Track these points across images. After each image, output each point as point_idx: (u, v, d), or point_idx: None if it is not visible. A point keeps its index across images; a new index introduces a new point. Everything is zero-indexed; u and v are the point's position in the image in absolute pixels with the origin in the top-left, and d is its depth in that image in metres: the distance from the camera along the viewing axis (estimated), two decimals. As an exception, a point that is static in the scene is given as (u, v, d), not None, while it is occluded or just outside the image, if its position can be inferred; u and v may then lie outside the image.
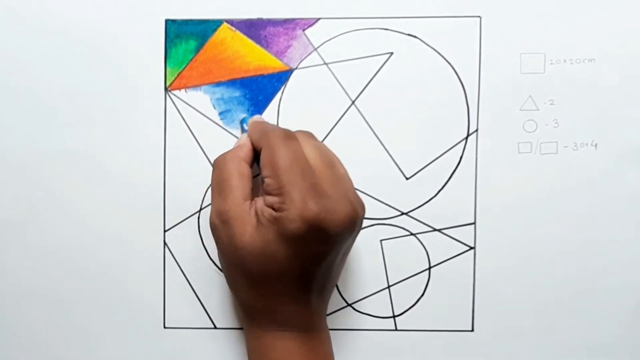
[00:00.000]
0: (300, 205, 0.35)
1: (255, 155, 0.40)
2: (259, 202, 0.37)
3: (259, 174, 0.38)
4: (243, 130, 0.43)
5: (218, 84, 0.44)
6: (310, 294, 0.38)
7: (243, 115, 0.43)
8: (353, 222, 0.37)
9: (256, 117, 0.42)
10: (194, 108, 0.44)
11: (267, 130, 0.39)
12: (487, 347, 0.44)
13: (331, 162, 0.39)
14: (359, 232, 0.39)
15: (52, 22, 0.44)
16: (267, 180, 0.36)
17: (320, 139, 0.44)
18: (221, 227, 0.38)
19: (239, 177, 0.38)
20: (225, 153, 0.39)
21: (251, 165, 0.39)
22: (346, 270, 0.44)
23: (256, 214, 0.37)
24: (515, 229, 0.44)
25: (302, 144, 0.38)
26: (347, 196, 0.37)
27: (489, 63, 0.43)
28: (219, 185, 0.38)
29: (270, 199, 0.36)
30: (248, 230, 0.36)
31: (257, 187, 0.41)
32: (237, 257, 0.37)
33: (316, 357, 0.39)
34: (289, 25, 0.44)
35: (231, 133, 0.44)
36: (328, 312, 0.44)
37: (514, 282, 0.44)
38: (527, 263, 0.44)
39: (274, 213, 0.36)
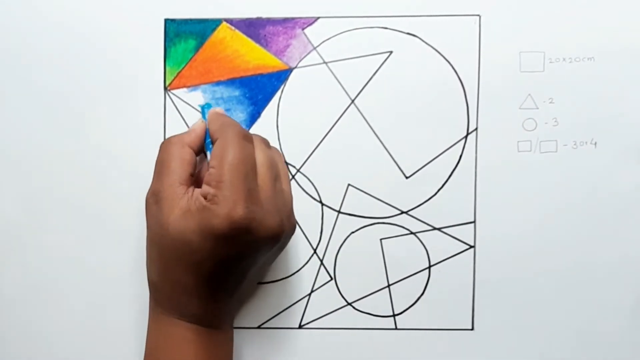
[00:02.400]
0: (229, 204, 0.35)
1: (204, 144, 0.40)
2: (197, 190, 0.37)
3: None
4: (203, 117, 0.42)
5: (217, 83, 0.44)
6: (218, 294, 0.38)
7: (205, 102, 0.43)
8: (276, 237, 0.37)
9: (218, 109, 0.41)
10: (193, 107, 0.44)
11: (228, 124, 0.39)
12: (487, 345, 0.44)
13: (276, 174, 0.39)
14: (283, 248, 0.40)
15: (52, 21, 0.44)
16: (211, 170, 0.37)
17: (319, 138, 0.44)
18: (153, 207, 0.38)
19: (179, 161, 0.38)
20: (172, 136, 0.40)
21: (197, 153, 0.39)
22: (346, 269, 0.44)
23: (188, 200, 0.37)
24: (515, 227, 0.44)
25: (256, 148, 0.38)
26: (279, 211, 0.38)
27: (488, 61, 0.43)
28: (158, 166, 0.39)
29: (206, 188, 0.36)
30: (175, 213, 0.37)
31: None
32: (157, 236, 0.37)
33: (212, 353, 0.39)
34: (288, 24, 0.44)
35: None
36: (328, 311, 0.44)
37: (514, 280, 0.44)
38: (526, 261, 0.44)
39: (203, 202, 0.36)
